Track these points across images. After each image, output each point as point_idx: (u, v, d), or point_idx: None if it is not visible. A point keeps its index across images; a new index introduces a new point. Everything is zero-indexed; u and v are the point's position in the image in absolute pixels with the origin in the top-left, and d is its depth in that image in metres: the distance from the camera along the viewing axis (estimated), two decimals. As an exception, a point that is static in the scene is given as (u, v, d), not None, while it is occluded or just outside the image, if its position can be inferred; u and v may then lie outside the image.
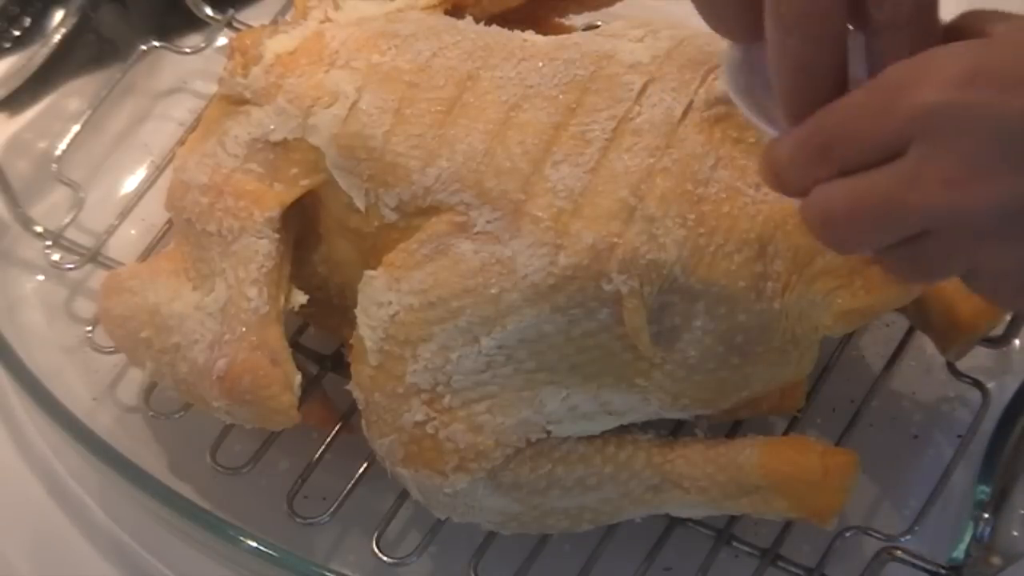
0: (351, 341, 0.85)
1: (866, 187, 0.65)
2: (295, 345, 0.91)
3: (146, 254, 0.98)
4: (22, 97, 1.05)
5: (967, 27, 0.66)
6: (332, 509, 0.88)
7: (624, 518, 0.85)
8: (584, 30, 0.95)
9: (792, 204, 0.81)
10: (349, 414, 0.90)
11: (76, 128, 1.03)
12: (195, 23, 1.07)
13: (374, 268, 0.84)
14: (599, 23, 0.98)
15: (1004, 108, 0.61)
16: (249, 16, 1.06)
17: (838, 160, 0.66)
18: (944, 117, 0.62)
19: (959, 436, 0.90)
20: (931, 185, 0.63)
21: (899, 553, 0.85)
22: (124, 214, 1.00)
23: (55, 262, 0.99)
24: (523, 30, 0.89)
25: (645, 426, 0.85)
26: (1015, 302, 0.66)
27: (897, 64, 0.64)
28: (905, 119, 0.63)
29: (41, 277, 1.01)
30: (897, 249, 0.66)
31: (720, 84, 0.82)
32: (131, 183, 1.04)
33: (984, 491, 0.87)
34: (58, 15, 1.07)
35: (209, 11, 1.06)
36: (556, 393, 0.82)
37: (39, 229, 1.00)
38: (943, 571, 0.85)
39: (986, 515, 0.86)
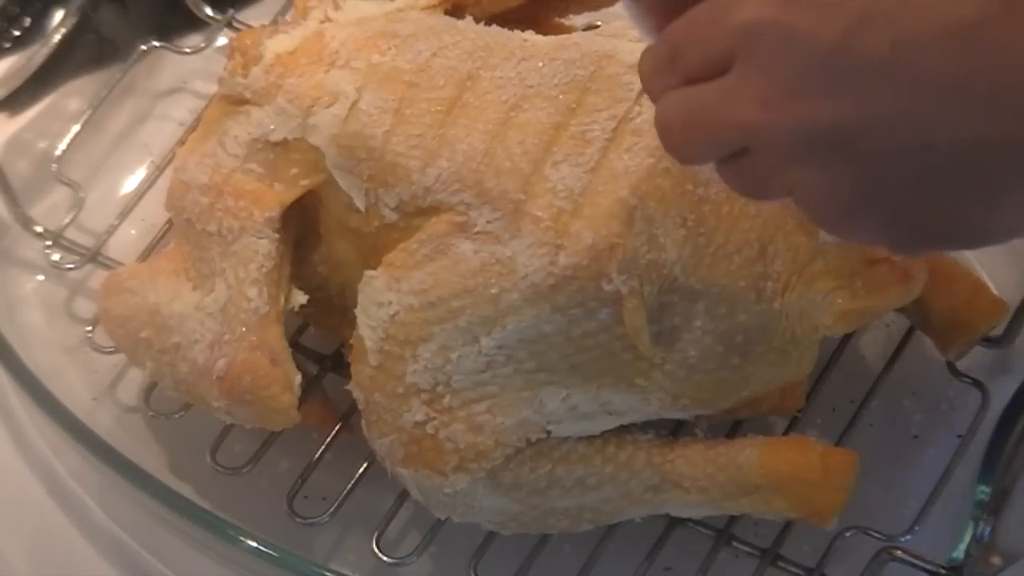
0: (351, 341, 0.85)
1: (696, 100, 0.65)
2: (295, 345, 0.91)
3: (146, 254, 0.98)
4: (22, 97, 1.05)
5: None
6: (332, 509, 0.88)
7: (624, 518, 0.85)
8: (584, 30, 0.95)
9: (793, 205, 0.81)
10: (349, 414, 0.90)
11: (76, 128, 1.03)
12: (195, 23, 1.07)
13: (374, 268, 0.84)
14: (599, 23, 0.98)
15: (817, 31, 0.61)
16: (249, 16, 1.06)
17: (682, 70, 0.66)
18: (762, 35, 0.62)
19: (959, 436, 0.90)
20: (747, 103, 0.63)
21: (899, 553, 0.85)
22: (124, 214, 1.00)
23: (55, 262, 0.99)
24: (523, 30, 0.89)
25: (645, 426, 0.85)
26: (837, 227, 0.65)
27: None
28: (731, 35, 0.63)
29: (41, 277, 1.01)
30: (728, 164, 0.66)
31: None
32: (131, 183, 1.04)
33: (984, 491, 0.87)
34: (58, 15, 1.07)
35: (209, 11, 1.06)
36: (556, 393, 0.82)
37: (39, 229, 1.00)
38: (943, 571, 0.85)
39: (986, 515, 0.86)
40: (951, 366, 0.92)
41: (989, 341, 0.91)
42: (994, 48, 0.59)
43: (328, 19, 0.90)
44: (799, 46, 0.61)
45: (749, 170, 0.65)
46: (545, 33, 0.89)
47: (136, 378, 0.94)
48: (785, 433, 0.90)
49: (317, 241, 0.89)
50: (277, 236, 0.86)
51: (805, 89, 0.62)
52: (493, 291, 0.81)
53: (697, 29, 0.65)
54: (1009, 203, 0.62)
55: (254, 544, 0.84)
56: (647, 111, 0.83)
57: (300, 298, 0.87)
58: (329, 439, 0.91)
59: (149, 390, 0.93)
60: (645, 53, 0.68)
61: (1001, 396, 0.91)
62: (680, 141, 0.66)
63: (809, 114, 0.62)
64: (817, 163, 0.63)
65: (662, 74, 0.67)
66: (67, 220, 1.00)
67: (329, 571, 0.84)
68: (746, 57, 0.63)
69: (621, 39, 0.86)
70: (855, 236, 0.66)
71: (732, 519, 0.87)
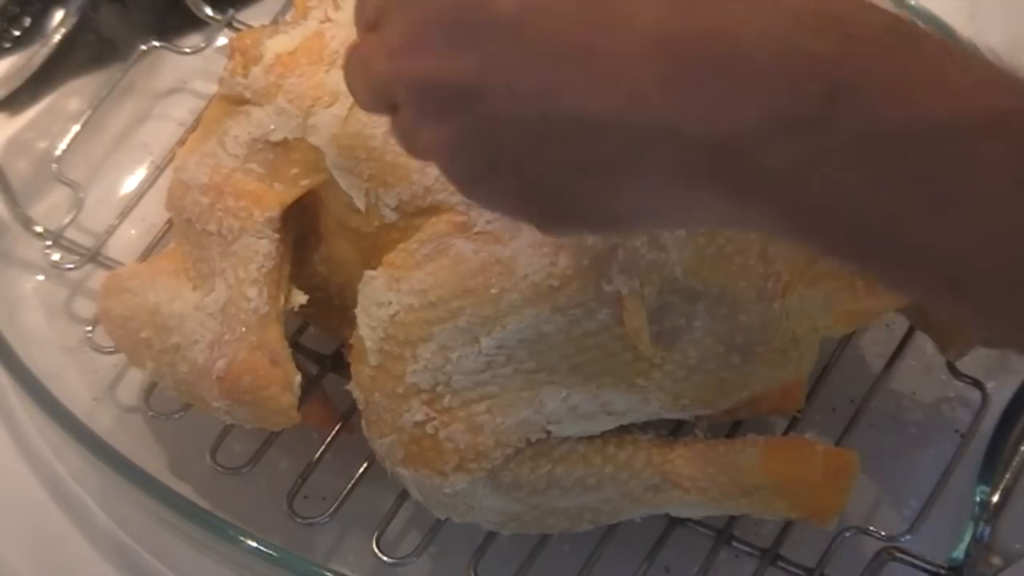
0: (351, 341, 0.85)
1: (357, 49, 0.65)
2: (295, 345, 0.91)
3: (146, 254, 0.98)
4: (22, 97, 1.05)
5: None
6: (332, 509, 0.88)
7: (624, 518, 0.85)
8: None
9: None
10: (349, 414, 0.90)
11: (76, 128, 1.03)
12: (195, 23, 1.07)
13: (374, 268, 0.84)
14: (599, 23, 0.98)
15: None
16: (249, 16, 1.06)
17: (361, 23, 0.66)
18: None
19: (959, 436, 0.90)
20: (381, 53, 0.63)
21: (899, 553, 0.85)
22: (124, 214, 1.00)
23: (55, 262, 0.99)
24: (523, 30, 0.88)
25: (645, 426, 0.85)
26: (470, 192, 0.63)
27: None
28: None
29: (41, 277, 1.01)
30: (393, 117, 0.65)
31: None
32: (131, 183, 1.03)
33: (984, 491, 0.87)
34: (58, 15, 1.07)
35: (209, 11, 1.06)
36: (556, 393, 0.82)
37: (39, 229, 1.00)
38: (943, 571, 0.85)
39: (986, 515, 0.86)
40: (951, 366, 0.92)
41: (989, 341, 0.92)
42: (618, 22, 0.56)
43: (328, 19, 0.90)
44: None
45: (399, 124, 0.64)
46: (545, 33, 0.89)
47: (136, 378, 0.94)
48: (785, 433, 0.90)
49: (317, 241, 0.89)
50: (277, 236, 0.86)
51: (433, 41, 0.60)
52: (493, 291, 0.81)
53: None
54: (631, 191, 0.59)
55: (254, 544, 0.84)
56: (647, 111, 0.82)
57: (300, 298, 0.87)
58: (329, 439, 0.91)
59: (149, 390, 0.92)
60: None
61: (1001, 396, 0.91)
62: (350, 88, 0.67)
63: (433, 67, 0.60)
64: (445, 121, 0.61)
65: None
66: (67, 220, 0.99)
67: (329, 571, 0.84)
68: (392, 7, 0.62)
69: (621, 39, 0.86)
70: (492, 205, 0.65)
71: (732, 519, 0.87)
